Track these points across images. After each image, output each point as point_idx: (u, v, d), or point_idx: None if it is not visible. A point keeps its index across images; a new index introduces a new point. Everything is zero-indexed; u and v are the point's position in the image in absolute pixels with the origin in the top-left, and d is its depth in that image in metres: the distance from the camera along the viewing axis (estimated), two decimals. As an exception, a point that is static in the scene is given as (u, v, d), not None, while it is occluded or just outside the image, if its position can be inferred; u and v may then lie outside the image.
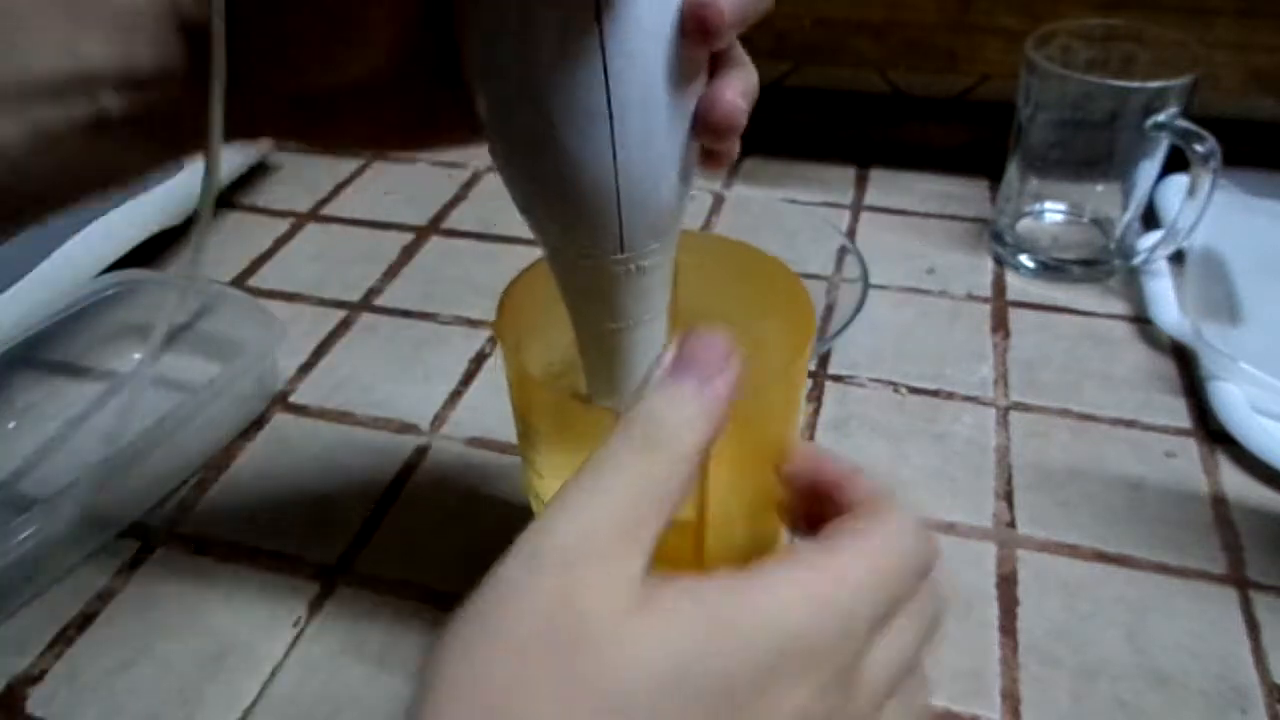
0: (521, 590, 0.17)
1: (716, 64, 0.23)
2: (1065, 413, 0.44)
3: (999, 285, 0.53)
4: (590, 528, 0.18)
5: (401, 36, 0.22)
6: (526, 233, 0.25)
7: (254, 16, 0.21)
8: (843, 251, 0.49)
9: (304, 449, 0.44)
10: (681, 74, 0.21)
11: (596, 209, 0.22)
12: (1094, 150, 0.50)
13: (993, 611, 0.36)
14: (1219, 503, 0.39)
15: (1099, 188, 0.53)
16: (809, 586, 0.18)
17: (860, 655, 0.19)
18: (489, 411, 0.45)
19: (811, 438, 0.43)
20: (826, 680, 0.18)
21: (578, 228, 0.23)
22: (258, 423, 0.45)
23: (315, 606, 0.37)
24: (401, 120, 0.26)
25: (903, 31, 0.56)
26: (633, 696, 0.16)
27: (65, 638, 0.36)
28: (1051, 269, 0.53)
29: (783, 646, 0.17)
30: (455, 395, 0.46)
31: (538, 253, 0.27)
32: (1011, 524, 0.39)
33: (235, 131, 0.23)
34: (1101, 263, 0.52)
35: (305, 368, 0.49)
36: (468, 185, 0.63)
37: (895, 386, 0.46)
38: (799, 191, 0.61)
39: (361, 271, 0.55)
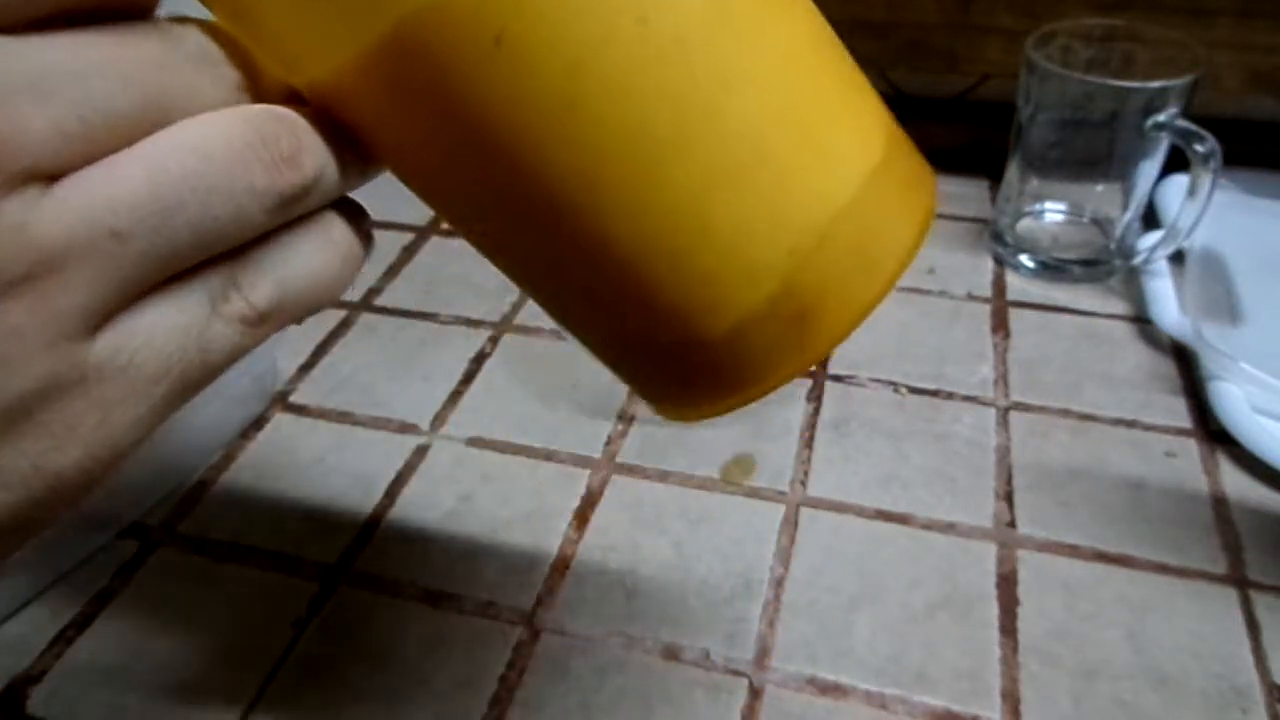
0: None
1: None
2: (1065, 413, 0.44)
3: (999, 285, 0.53)
4: None
5: None
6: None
7: None
8: (843, 251, 0.49)
9: (304, 449, 0.44)
10: None
11: None
12: (1094, 150, 0.50)
13: (993, 611, 0.36)
14: (1219, 503, 0.39)
15: (1099, 188, 0.53)
16: None
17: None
18: (489, 411, 0.45)
19: (812, 438, 0.43)
20: None
21: None
22: (258, 423, 0.45)
23: (315, 606, 0.37)
24: None
25: (903, 31, 0.56)
26: None
27: (65, 638, 0.36)
28: (1051, 269, 0.53)
29: None
30: (455, 395, 0.46)
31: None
32: (1011, 524, 0.39)
33: None
34: (1101, 263, 0.52)
35: (305, 368, 0.49)
36: (468, 185, 0.63)
37: (895, 386, 0.46)
38: (799, 191, 0.61)
39: (361, 271, 0.55)
